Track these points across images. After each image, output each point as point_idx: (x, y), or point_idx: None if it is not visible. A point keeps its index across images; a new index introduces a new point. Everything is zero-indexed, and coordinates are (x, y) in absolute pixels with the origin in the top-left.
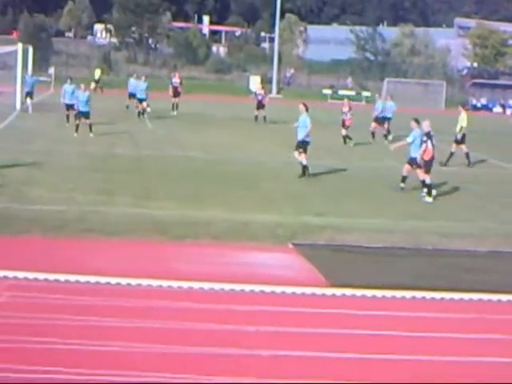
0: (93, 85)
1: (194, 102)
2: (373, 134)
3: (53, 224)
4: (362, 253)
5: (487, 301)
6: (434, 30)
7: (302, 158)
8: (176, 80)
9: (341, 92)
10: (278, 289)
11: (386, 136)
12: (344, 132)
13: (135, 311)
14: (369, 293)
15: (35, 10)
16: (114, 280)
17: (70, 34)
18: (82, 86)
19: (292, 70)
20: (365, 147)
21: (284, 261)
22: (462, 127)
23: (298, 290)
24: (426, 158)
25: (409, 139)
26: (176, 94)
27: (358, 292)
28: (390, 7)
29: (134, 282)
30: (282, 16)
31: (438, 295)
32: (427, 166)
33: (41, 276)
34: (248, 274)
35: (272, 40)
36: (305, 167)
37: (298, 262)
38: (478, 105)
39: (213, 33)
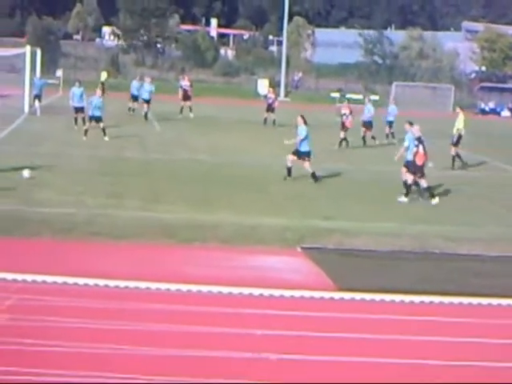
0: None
1: (202, 105)
2: (363, 138)
3: (61, 227)
4: (370, 257)
5: (496, 305)
6: (441, 34)
7: (308, 167)
8: (186, 83)
9: (349, 95)
10: (287, 292)
11: (379, 137)
12: (342, 134)
13: (143, 314)
14: (377, 297)
15: (43, 12)
16: (122, 283)
17: (78, 37)
18: (98, 91)
19: (300, 74)
20: (370, 150)
21: (292, 265)
22: (458, 129)
23: (307, 293)
24: (419, 162)
25: (406, 143)
26: (186, 97)
27: (367, 296)
28: (398, 10)
29: (142, 285)
30: (290, 19)
31: (446, 299)
32: (421, 170)
33: (49, 279)
34: (256, 278)
35: (280, 43)
36: (313, 174)
37: (307, 266)
38: (486, 109)
39: (221, 36)
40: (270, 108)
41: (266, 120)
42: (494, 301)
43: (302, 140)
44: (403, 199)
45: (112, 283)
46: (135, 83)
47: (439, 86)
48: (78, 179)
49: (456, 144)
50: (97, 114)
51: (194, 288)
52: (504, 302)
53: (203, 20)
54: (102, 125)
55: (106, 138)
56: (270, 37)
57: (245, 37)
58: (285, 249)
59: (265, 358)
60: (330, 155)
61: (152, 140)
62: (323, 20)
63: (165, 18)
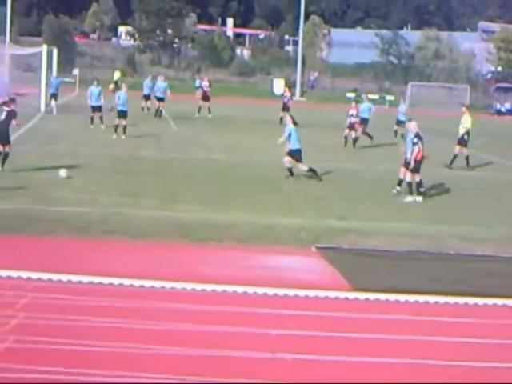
0: (112, 86)
1: (218, 104)
2: (345, 138)
3: (77, 225)
4: (384, 257)
5: (511, 306)
6: (458, 34)
7: (303, 167)
8: (205, 83)
9: (364, 95)
10: (301, 292)
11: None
12: (347, 132)
13: (158, 314)
14: (391, 297)
15: (60, 11)
16: (137, 282)
17: (94, 36)
18: (124, 86)
19: (316, 74)
20: (379, 150)
21: (307, 264)
22: (467, 129)
23: (321, 293)
24: (419, 158)
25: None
26: (205, 97)
27: (381, 296)
28: (415, 11)
29: (157, 284)
30: (306, 19)
31: (460, 300)
32: (418, 165)
33: (64, 277)
34: (271, 278)
35: (296, 43)
36: (313, 170)
37: (321, 266)
38: (502, 109)
39: (237, 36)
40: (285, 107)
41: (281, 119)
42: (509, 302)
43: (291, 139)
44: (409, 199)
45: (127, 282)
46: (147, 82)
47: (455, 86)
48: (94, 178)
49: (465, 144)
50: (124, 109)
51: (209, 287)
52: None
53: (219, 20)
54: (124, 122)
55: (123, 137)
56: (286, 36)
57: (261, 36)
58: (300, 249)
59: (280, 358)
60: (339, 155)
61: (168, 139)
62: (339, 20)
63: (181, 17)
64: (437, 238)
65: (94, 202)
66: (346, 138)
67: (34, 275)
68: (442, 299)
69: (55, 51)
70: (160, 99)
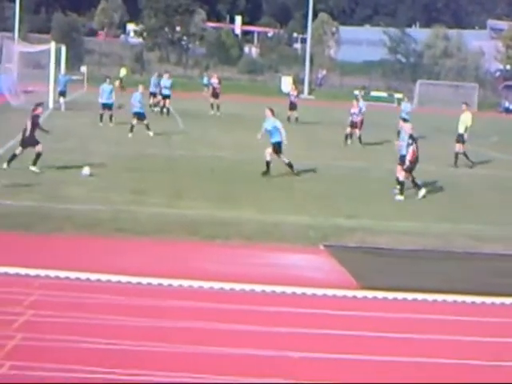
0: (117, 83)
1: (226, 102)
2: (346, 136)
3: (85, 223)
4: (392, 255)
5: None
6: (466, 32)
7: (285, 159)
8: (215, 81)
9: (373, 93)
10: (309, 291)
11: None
12: (348, 130)
13: (165, 311)
14: (399, 295)
15: (68, 8)
16: (145, 280)
17: (103, 33)
18: (141, 87)
19: (324, 71)
20: (383, 147)
21: (315, 262)
22: (466, 127)
23: (329, 292)
24: (412, 159)
25: (409, 141)
26: (215, 94)
27: (389, 295)
28: (423, 8)
29: (165, 282)
30: (315, 16)
31: (468, 299)
32: (411, 166)
33: (72, 275)
34: (279, 276)
35: (304, 41)
36: (290, 166)
37: (329, 264)
38: (511, 107)
39: (245, 33)
40: (292, 106)
41: (289, 118)
42: None
43: (271, 132)
44: (400, 197)
45: (134, 280)
46: (153, 80)
47: (463, 84)
48: (103, 175)
49: (463, 142)
50: (141, 111)
51: (217, 285)
52: None
53: (227, 17)
54: (146, 122)
55: (151, 134)
56: (295, 34)
57: (269, 34)
58: (307, 247)
59: (287, 356)
60: (346, 153)
61: (176, 137)
62: (348, 18)
63: (189, 14)
64: (445, 236)
65: (102, 199)
66: (346, 136)
67: (42, 272)
68: (450, 298)
69: (63, 48)
70: (166, 96)
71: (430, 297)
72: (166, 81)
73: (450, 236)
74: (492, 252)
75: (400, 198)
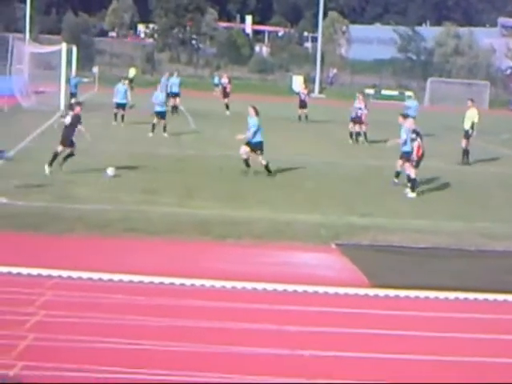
0: (126, 83)
1: (237, 101)
2: (351, 134)
3: (97, 223)
4: (404, 253)
5: None
6: (477, 30)
7: (263, 160)
8: (225, 80)
9: (384, 92)
10: (321, 289)
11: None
12: (351, 126)
13: (178, 311)
14: (411, 293)
15: (79, 9)
16: (157, 279)
17: (114, 34)
18: (159, 86)
19: (335, 70)
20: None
21: (327, 261)
22: (473, 123)
23: (341, 290)
24: (419, 154)
25: (404, 136)
26: (225, 94)
27: (401, 293)
28: (433, 7)
29: (177, 281)
30: (325, 15)
31: (480, 296)
32: (418, 162)
33: (84, 275)
34: (290, 274)
35: (315, 40)
36: (267, 166)
37: (341, 263)
38: None
39: (256, 33)
40: (302, 104)
41: (300, 117)
42: None
43: (254, 131)
44: (412, 195)
45: (146, 279)
46: (163, 80)
47: (475, 82)
48: (115, 174)
49: (468, 138)
50: (162, 109)
51: (229, 284)
52: None
53: (238, 17)
54: (163, 122)
55: (166, 135)
56: (305, 33)
57: (280, 33)
58: (319, 245)
59: (299, 355)
60: (356, 151)
61: (187, 136)
62: (358, 16)
63: (200, 13)
64: (457, 234)
65: (113, 199)
66: (351, 134)
67: (54, 273)
68: (462, 295)
69: (74, 49)
70: (175, 95)
71: (441, 295)
72: (174, 79)
73: (462, 234)
74: (504, 249)
75: (412, 195)
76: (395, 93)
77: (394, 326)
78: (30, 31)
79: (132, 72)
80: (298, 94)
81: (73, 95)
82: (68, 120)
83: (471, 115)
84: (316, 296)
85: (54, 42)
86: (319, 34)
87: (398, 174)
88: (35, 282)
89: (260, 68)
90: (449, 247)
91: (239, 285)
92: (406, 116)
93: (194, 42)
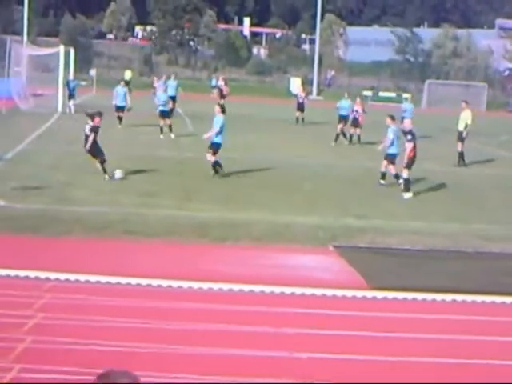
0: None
1: (235, 103)
2: (344, 134)
3: (95, 225)
4: (402, 255)
5: None
6: (475, 32)
7: (211, 158)
8: (221, 82)
9: (382, 94)
10: (319, 291)
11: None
12: (352, 131)
13: (176, 313)
14: (409, 295)
15: (77, 12)
16: (155, 282)
17: (112, 36)
18: (162, 86)
19: (332, 72)
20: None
21: (324, 263)
22: (467, 125)
23: (339, 292)
24: (411, 155)
25: (390, 136)
26: (222, 96)
27: (399, 295)
28: (431, 8)
29: (174, 283)
30: (323, 17)
31: (478, 298)
32: (411, 162)
33: (82, 277)
34: (288, 277)
35: (312, 42)
36: (216, 165)
37: (339, 265)
38: None
39: (253, 35)
40: (300, 107)
41: (297, 119)
42: None
43: (218, 132)
44: (408, 195)
45: (144, 282)
46: (162, 83)
47: (473, 84)
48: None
49: (462, 140)
50: (166, 109)
51: (226, 287)
52: None
53: (236, 19)
54: (169, 122)
55: (172, 136)
56: (303, 35)
57: (277, 35)
58: (317, 247)
59: (296, 357)
60: (353, 153)
61: (185, 139)
62: (356, 18)
63: (198, 15)
64: (454, 236)
65: (112, 201)
66: (350, 135)
67: (52, 275)
68: (459, 297)
69: (72, 51)
70: (171, 98)
71: (438, 296)
72: (171, 82)
73: (458, 236)
74: (501, 251)
75: (408, 195)
76: (393, 95)
77: (392, 328)
78: (28, 33)
79: (128, 74)
80: (295, 96)
81: (71, 97)
82: (88, 131)
83: (465, 117)
84: (314, 298)
85: (51, 45)
86: (317, 36)
87: (383, 175)
88: (33, 284)
89: (258, 70)
90: (446, 249)
91: (237, 287)
92: (392, 117)
93: (191, 43)
